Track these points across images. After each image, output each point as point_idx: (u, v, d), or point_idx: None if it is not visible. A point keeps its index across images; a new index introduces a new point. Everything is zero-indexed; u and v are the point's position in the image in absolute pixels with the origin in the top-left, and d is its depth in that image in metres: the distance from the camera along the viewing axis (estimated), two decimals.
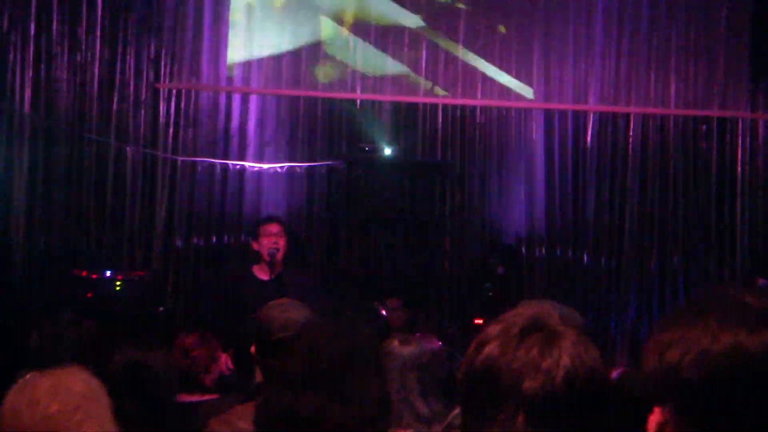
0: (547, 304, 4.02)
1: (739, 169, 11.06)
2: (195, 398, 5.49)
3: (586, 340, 2.13)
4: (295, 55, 10.60)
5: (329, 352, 3.40)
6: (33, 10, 10.17)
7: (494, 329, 2.13)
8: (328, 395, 3.31)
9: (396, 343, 4.83)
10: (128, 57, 10.43)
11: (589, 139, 10.99)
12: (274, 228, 8.33)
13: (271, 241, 8.23)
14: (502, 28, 10.84)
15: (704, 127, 11.09)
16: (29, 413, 1.99)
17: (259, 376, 4.55)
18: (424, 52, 10.72)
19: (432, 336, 7.99)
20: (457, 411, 2.94)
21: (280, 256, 8.23)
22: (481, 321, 9.26)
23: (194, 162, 10.48)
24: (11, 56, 10.13)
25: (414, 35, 10.72)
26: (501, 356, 2.07)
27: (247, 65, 10.57)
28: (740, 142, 11.09)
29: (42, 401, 2.15)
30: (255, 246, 8.34)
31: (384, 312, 7.76)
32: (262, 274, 8.26)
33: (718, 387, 1.82)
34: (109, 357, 4.15)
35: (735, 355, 1.82)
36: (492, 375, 2.06)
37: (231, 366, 6.08)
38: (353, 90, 10.71)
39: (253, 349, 4.59)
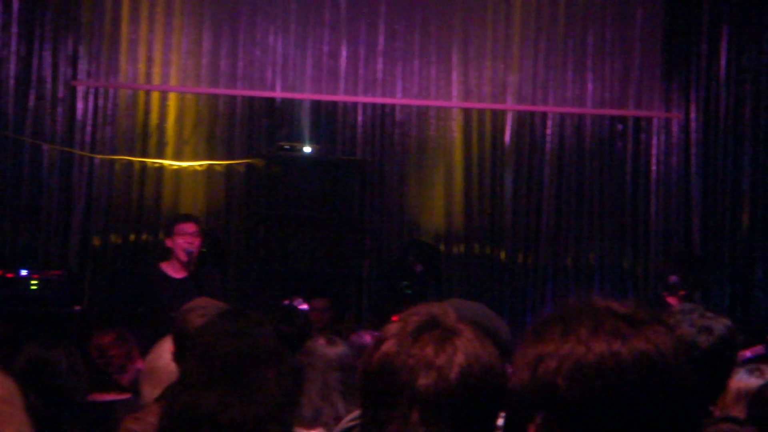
0: (455, 303, 4.06)
1: (654, 167, 11.23)
2: (111, 397, 5.48)
3: (483, 338, 2.16)
4: (213, 52, 10.57)
5: (225, 350, 3.42)
6: None
7: (392, 328, 2.16)
8: (226, 392, 3.32)
9: (321, 342, 4.85)
10: (45, 54, 10.34)
11: (506, 137, 11.09)
12: (189, 227, 8.28)
13: (187, 240, 8.18)
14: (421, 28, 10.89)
15: (620, 126, 11.24)
16: None
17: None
18: (344, 50, 10.75)
19: (369, 331, 8.06)
20: (357, 413, 2.97)
21: (195, 255, 8.21)
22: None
23: (112, 160, 10.41)
24: None
25: (334, 33, 10.74)
26: (397, 354, 2.09)
27: (165, 63, 10.52)
28: (655, 140, 11.25)
29: None
30: (169, 243, 8.29)
31: (305, 308, 7.77)
32: (173, 272, 8.21)
33: (594, 397, 1.84)
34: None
35: (609, 364, 1.84)
36: (387, 372, 2.08)
37: (142, 366, 6.05)
38: (273, 88, 10.70)
39: (169, 348, 4.59)
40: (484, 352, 2.13)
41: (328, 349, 4.79)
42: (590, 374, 1.84)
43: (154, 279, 8.24)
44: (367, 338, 6.40)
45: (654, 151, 11.23)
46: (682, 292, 8.85)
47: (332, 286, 10.37)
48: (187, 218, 8.56)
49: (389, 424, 2.07)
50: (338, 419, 4.55)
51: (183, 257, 8.13)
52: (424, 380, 2.05)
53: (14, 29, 10.23)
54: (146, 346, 6.13)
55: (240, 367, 3.40)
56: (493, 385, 2.14)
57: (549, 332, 1.91)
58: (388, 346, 2.12)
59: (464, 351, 2.10)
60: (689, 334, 3.57)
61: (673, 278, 8.93)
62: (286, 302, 7.71)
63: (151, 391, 4.42)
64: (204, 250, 8.82)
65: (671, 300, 8.54)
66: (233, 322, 3.61)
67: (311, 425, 4.61)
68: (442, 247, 10.92)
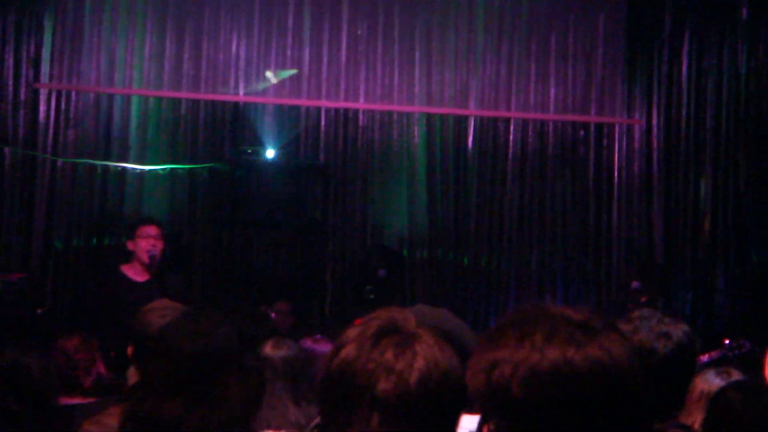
0: (418, 309, 4.07)
1: (616, 173, 11.28)
2: (76, 401, 5.48)
3: (442, 343, 2.17)
4: (176, 56, 10.55)
5: (187, 355, 3.40)
6: None
7: (351, 333, 2.17)
8: (189, 400, 3.31)
9: (269, 347, 4.82)
10: (6, 56, 10.28)
11: (469, 143, 11.12)
12: (152, 230, 8.23)
13: (150, 243, 8.14)
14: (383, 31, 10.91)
15: (582, 132, 11.29)
16: None
17: (133, 378, 4.53)
18: (307, 55, 10.75)
19: (328, 339, 8.05)
20: (318, 420, 2.97)
21: (158, 259, 8.17)
22: None
23: (75, 163, 10.36)
24: None
25: (297, 37, 10.74)
26: (356, 358, 2.10)
27: (128, 66, 10.48)
28: (617, 146, 11.31)
29: None
30: (130, 246, 8.23)
31: (272, 315, 7.77)
32: (135, 275, 8.17)
33: (547, 403, 1.85)
34: None
35: (563, 371, 1.86)
36: (347, 377, 2.09)
37: (103, 370, 6.06)
38: (236, 92, 10.69)
39: (130, 350, 4.57)
40: (444, 357, 2.14)
41: (274, 353, 4.76)
42: (544, 381, 1.86)
43: (115, 282, 8.19)
44: (320, 345, 6.36)
45: (616, 156, 11.29)
46: (643, 298, 8.91)
47: (295, 291, 10.37)
48: (150, 221, 8.51)
49: (349, 428, 2.07)
50: (287, 425, 4.53)
51: (145, 260, 8.09)
52: (383, 384, 2.06)
53: None
54: (108, 349, 6.16)
55: (203, 370, 3.38)
56: (453, 390, 2.15)
57: (504, 338, 1.93)
58: (348, 350, 2.12)
59: (423, 356, 2.10)
60: (647, 339, 3.58)
61: (634, 284, 9.00)
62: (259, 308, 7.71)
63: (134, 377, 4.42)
64: (167, 254, 8.79)
65: (632, 306, 8.58)
66: (195, 322, 3.59)
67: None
68: (405, 252, 10.93)
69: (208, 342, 3.45)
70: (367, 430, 2.05)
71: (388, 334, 2.13)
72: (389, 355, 2.09)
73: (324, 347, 7.25)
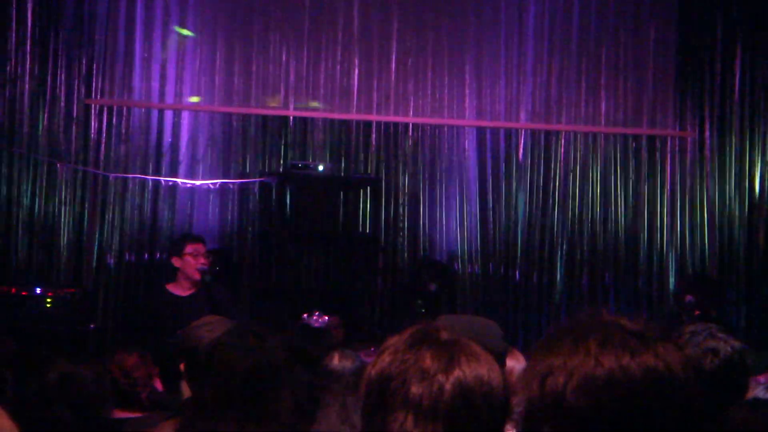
0: (464, 318, 4.04)
1: (668, 186, 11.19)
2: (132, 415, 5.52)
3: (483, 352, 2.16)
4: (227, 70, 10.58)
5: (240, 369, 3.40)
6: None
7: (389, 341, 2.17)
8: (243, 415, 3.31)
9: (335, 360, 4.80)
10: (59, 72, 10.34)
11: (520, 156, 11.07)
12: (200, 247, 8.30)
13: (199, 261, 8.20)
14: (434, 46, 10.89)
15: (633, 144, 11.21)
16: None
17: (186, 393, 4.54)
18: (357, 68, 10.75)
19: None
20: None
21: (207, 275, 8.20)
22: None
23: (126, 178, 10.41)
24: None
25: (347, 51, 10.75)
26: (391, 363, 2.12)
27: (179, 81, 10.52)
28: (669, 159, 11.22)
29: None
30: (177, 263, 8.27)
31: (325, 319, 7.75)
32: (180, 291, 8.21)
33: (602, 411, 1.84)
34: (32, 375, 4.15)
35: (618, 378, 1.84)
36: (384, 381, 2.11)
37: (159, 385, 6.13)
38: (286, 106, 10.70)
39: (182, 366, 4.58)
40: (485, 370, 2.12)
41: (342, 366, 4.74)
42: (599, 388, 1.85)
43: (160, 299, 8.23)
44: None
45: (668, 169, 11.20)
46: (696, 312, 8.81)
47: (346, 305, 10.35)
48: (198, 239, 8.57)
49: (387, 426, 2.08)
50: None
51: (196, 276, 8.13)
52: (416, 388, 2.08)
53: (28, 48, 10.23)
54: (156, 365, 6.20)
55: (255, 386, 3.38)
56: (493, 399, 2.14)
57: (558, 346, 1.92)
58: (385, 356, 2.15)
59: (463, 366, 2.10)
60: (694, 355, 3.49)
61: (688, 298, 8.90)
62: (305, 315, 7.68)
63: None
64: (216, 268, 8.82)
65: (687, 319, 8.48)
66: (244, 338, 3.58)
67: None
68: (456, 267, 10.89)
69: (259, 359, 3.44)
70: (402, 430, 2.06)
71: (426, 341, 2.14)
72: (427, 359, 2.10)
73: None
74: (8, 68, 10.20)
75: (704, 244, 11.19)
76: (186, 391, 4.54)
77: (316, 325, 7.56)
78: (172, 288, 8.28)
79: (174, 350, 5.14)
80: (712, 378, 3.46)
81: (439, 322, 3.85)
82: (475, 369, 2.12)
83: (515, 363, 5.11)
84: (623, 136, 11.20)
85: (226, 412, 3.34)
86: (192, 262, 8.17)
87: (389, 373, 2.11)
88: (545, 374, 1.89)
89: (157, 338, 7.48)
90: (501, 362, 3.71)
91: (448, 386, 2.07)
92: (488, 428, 2.14)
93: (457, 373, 2.09)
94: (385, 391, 2.10)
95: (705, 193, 11.22)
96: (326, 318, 7.69)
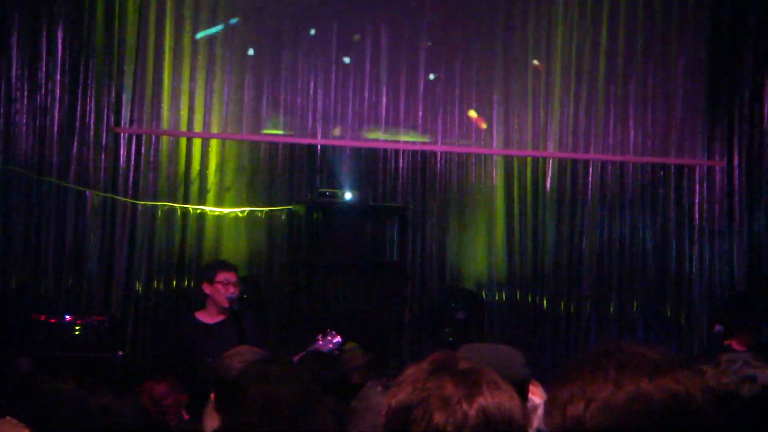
0: (487, 347, 4.04)
1: (697, 215, 11.16)
2: None
3: (503, 382, 2.15)
4: (255, 99, 10.62)
5: (282, 397, 3.40)
6: None
7: (408, 372, 2.17)
8: None
9: (379, 389, 4.79)
10: (88, 101, 10.40)
11: (548, 185, 11.06)
12: (232, 276, 8.30)
13: (228, 289, 8.20)
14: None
15: (662, 173, 11.18)
16: None
17: (214, 423, 4.53)
18: (384, 97, 10.77)
19: None
20: None
21: (236, 304, 8.21)
22: None
23: (154, 206, 10.45)
24: None
25: (375, 80, 10.77)
26: (412, 392, 2.11)
27: (207, 110, 10.57)
28: (697, 188, 11.19)
29: None
30: (207, 290, 8.27)
31: (339, 340, 7.74)
32: (208, 318, 8.21)
33: None
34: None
35: (638, 402, 1.84)
36: (405, 411, 2.10)
37: (185, 413, 6.14)
38: (313, 135, 10.73)
39: (212, 396, 4.58)
40: (506, 398, 2.12)
41: (383, 398, 4.72)
42: (618, 413, 1.84)
43: (189, 327, 8.24)
44: None
45: (697, 198, 11.18)
46: (726, 342, 8.75)
47: (373, 333, 10.33)
48: (229, 266, 8.57)
49: None
50: None
51: (226, 304, 8.13)
52: (439, 417, 2.06)
53: (58, 77, 10.31)
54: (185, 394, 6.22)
55: (298, 413, 3.38)
56: (513, 429, 2.13)
57: (577, 373, 1.92)
58: (405, 387, 2.14)
59: (487, 394, 2.10)
60: (732, 383, 3.48)
61: (717, 327, 8.85)
62: (319, 336, 7.67)
63: (212, 425, 4.42)
64: (245, 296, 8.84)
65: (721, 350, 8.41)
66: (276, 368, 3.59)
67: None
68: (483, 295, 10.87)
69: (297, 384, 3.45)
70: None
71: (446, 369, 2.14)
72: (449, 387, 2.09)
73: None
74: (38, 97, 10.27)
75: (733, 272, 11.13)
76: (208, 423, 4.54)
77: (329, 346, 7.55)
78: (200, 315, 8.27)
79: (205, 380, 5.15)
80: (749, 405, 3.45)
81: (462, 350, 3.85)
82: (497, 397, 2.12)
83: (538, 399, 5.09)
84: (651, 165, 11.18)
85: None
86: (222, 290, 8.16)
87: (410, 402, 2.10)
88: (566, 402, 1.89)
89: (185, 366, 7.48)
90: (522, 390, 3.71)
91: (472, 413, 2.06)
92: None
93: (480, 400, 2.09)
94: (407, 421, 2.08)
95: (734, 221, 11.17)
96: (339, 338, 7.69)
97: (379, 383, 4.90)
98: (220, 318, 8.18)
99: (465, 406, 2.07)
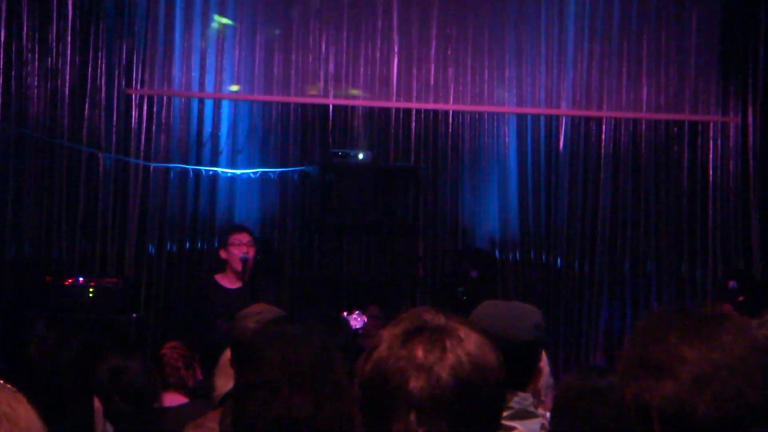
0: (503, 304, 4.03)
1: (711, 172, 11.09)
2: (180, 402, 5.58)
3: (477, 336, 2.13)
4: (267, 60, 10.59)
5: (305, 353, 3.41)
6: (2, 16, 10.12)
7: (383, 333, 2.15)
8: (318, 395, 3.32)
9: None
10: (100, 63, 10.39)
11: (561, 143, 11.01)
12: (244, 237, 8.34)
13: (242, 250, 8.22)
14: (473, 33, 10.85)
15: (676, 130, 11.12)
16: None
17: (228, 383, 4.54)
18: (396, 57, 10.73)
19: None
20: None
21: (250, 265, 8.23)
22: None
23: (167, 168, 10.45)
24: None
25: (386, 39, 10.72)
26: (387, 358, 2.08)
27: (219, 70, 10.55)
28: (711, 145, 11.12)
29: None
30: (223, 255, 8.32)
31: (364, 320, 7.77)
32: (228, 283, 8.25)
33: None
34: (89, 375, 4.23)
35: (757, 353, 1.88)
36: (380, 377, 2.08)
37: (200, 374, 6.20)
38: (326, 95, 10.70)
39: (227, 356, 4.59)
40: (478, 351, 2.10)
41: None
42: (743, 370, 1.88)
43: (208, 290, 8.27)
44: None
45: (711, 155, 11.10)
46: (740, 298, 8.75)
47: (387, 294, 10.35)
48: (241, 228, 8.60)
49: (389, 429, 2.05)
50: None
51: (238, 266, 8.15)
52: (414, 382, 2.04)
53: (69, 39, 10.29)
54: (199, 354, 6.26)
55: (322, 369, 3.39)
56: (491, 385, 2.12)
57: (665, 345, 1.89)
58: (380, 351, 2.11)
59: (454, 351, 2.07)
60: None
61: (731, 284, 8.84)
62: (344, 314, 7.71)
63: (224, 384, 4.44)
64: (258, 257, 8.86)
65: (728, 306, 8.41)
66: (296, 327, 3.60)
67: None
68: (497, 254, 10.86)
69: (318, 343, 3.46)
70: (406, 429, 2.03)
71: (417, 333, 2.11)
72: (419, 352, 2.06)
73: None
74: (49, 60, 10.25)
75: (748, 229, 11.08)
76: (220, 383, 4.55)
77: (355, 325, 7.58)
78: (220, 279, 8.33)
79: (221, 339, 5.18)
80: None
81: (480, 307, 3.84)
82: (465, 348, 2.09)
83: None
84: (665, 122, 11.11)
85: (302, 390, 3.34)
86: (236, 252, 8.21)
87: (385, 369, 2.07)
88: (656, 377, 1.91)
89: (203, 327, 7.52)
90: (530, 350, 3.70)
91: (444, 376, 2.04)
92: (491, 418, 2.12)
93: (450, 359, 2.06)
94: (384, 389, 2.07)
95: (748, 177, 11.11)
96: (365, 318, 7.71)
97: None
98: (238, 284, 8.22)
99: (438, 369, 2.04)
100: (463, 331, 2.12)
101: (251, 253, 8.32)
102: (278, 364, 3.41)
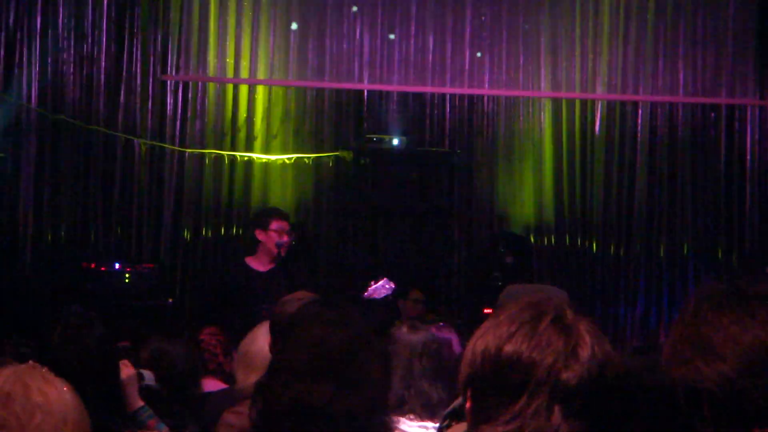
0: (530, 287, 4.03)
1: (748, 156, 11.01)
2: (214, 388, 5.61)
3: (597, 328, 2.10)
4: (301, 45, 10.59)
5: (334, 339, 3.41)
6: (39, 4, 10.16)
7: (506, 321, 2.07)
8: (339, 383, 3.32)
9: (405, 329, 4.85)
10: (135, 50, 10.43)
11: (597, 127, 10.96)
12: (286, 225, 8.38)
13: (282, 237, 8.26)
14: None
15: (713, 114, 11.04)
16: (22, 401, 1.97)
17: (240, 379, 4.58)
18: (431, 41, 10.70)
19: (450, 327, 8.04)
20: (460, 400, 2.95)
21: (284, 252, 8.27)
22: (490, 311, 9.23)
23: (202, 154, 10.48)
24: (18, 51, 10.12)
25: (421, 24, 10.70)
26: (529, 349, 2.01)
27: (253, 56, 10.55)
28: (749, 129, 11.04)
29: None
30: (260, 236, 8.31)
31: (392, 286, 7.79)
32: (259, 265, 8.25)
33: None
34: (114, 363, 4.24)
35: None
36: (521, 367, 2.00)
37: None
38: (360, 80, 10.69)
39: (245, 348, 4.63)
40: (604, 343, 2.07)
41: (411, 336, 4.79)
42: None
43: (239, 273, 8.29)
44: (443, 333, 6.39)
45: (748, 139, 11.02)
46: None
47: (422, 278, 10.34)
48: (284, 215, 8.64)
49: (506, 415, 2.00)
50: (427, 405, 4.54)
51: (275, 250, 8.17)
52: (566, 374, 1.98)
53: (104, 26, 10.33)
54: (234, 339, 6.29)
55: (350, 355, 3.39)
56: (616, 375, 2.08)
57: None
58: (519, 336, 2.03)
59: (589, 340, 2.03)
60: None
61: None
62: (372, 282, 7.72)
63: (244, 376, 4.46)
64: (294, 242, 8.88)
65: None
66: (331, 311, 3.59)
67: (397, 412, 4.60)
68: (532, 239, 10.84)
69: (348, 330, 3.45)
70: (545, 418, 1.97)
71: (547, 321, 2.04)
72: (560, 342, 2.01)
73: (447, 335, 7.29)
74: (85, 47, 10.29)
75: None
76: (241, 376, 4.57)
77: (383, 292, 7.59)
78: (251, 262, 8.32)
79: (247, 324, 5.22)
80: None
81: (505, 291, 3.82)
82: (603, 345, 2.05)
83: None
84: (702, 106, 11.03)
85: (322, 378, 3.34)
86: (276, 237, 8.23)
87: (530, 358, 1.99)
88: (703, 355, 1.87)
89: (236, 311, 7.54)
90: None
91: (594, 370, 1.99)
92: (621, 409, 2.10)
93: (595, 350, 2.02)
94: (520, 373, 1.99)
95: None
96: (393, 285, 7.71)
97: (404, 324, 4.96)
98: (270, 266, 8.23)
99: (585, 359, 1.99)
100: (588, 323, 2.08)
101: (288, 240, 8.35)
102: (307, 346, 3.42)
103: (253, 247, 8.42)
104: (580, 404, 1.99)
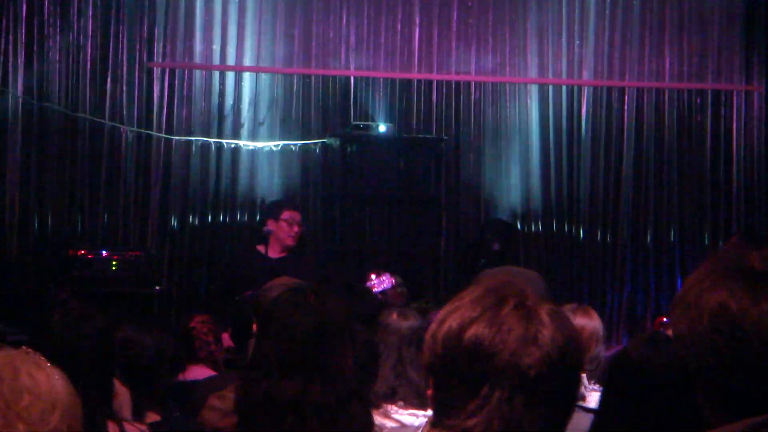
0: (505, 270, 4.03)
1: (734, 141, 11.04)
2: (203, 375, 5.61)
3: (560, 312, 2.09)
4: (288, 32, 10.57)
5: (304, 327, 3.41)
6: None
7: (468, 306, 2.04)
8: (307, 377, 3.32)
9: (394, 316, 4.85)
10: (121, 37, 10.38)
11: (583, 113, 10.97)
12: (297, 216, 8.49)
13: (294, 228, 8.37)
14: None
15: (699, 100, 11.06)
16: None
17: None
18: (418, 28, 10.69)
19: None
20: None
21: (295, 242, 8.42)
22: None
23: (188, 141, 10.46)
24: (3, 39, 10.08)
25: (407, 10, 10.68)
26: (490, 335, 1.98)
27: (240, 43, 10.53)
28: (735, 114, 11.06)
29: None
30: (272, 225, 8.41)
31: (392, 281, 7.79)
32: (269, 252, 8.35)
33: None
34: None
35: None
36: (481, 355, 1.97)
37: (232, 344, 6.27)
38: (347, 67, 10.68)
39: (254, 327, 4.61)
40: (567, 323, 2.06)
41: (401, 323, 4.79)
42: None
43: (249, 259, 8.38)
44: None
45: (735, 124, 11.05)
46: None
47: (409, 265, 10.35)
48: (296, 206, 8.75)
49: (472, 404, 1.98)
50: (418, 393, 4.53)
51: (289, 242, 8.32)
52: (527, 359, 1.96)
53: (90, 13, 10.29)
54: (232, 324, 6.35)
55: (318, 348, 3.39)
56: (581, 355, 2.09)
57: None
58: (479, 326, 1.99)
59: (550, 325, 2.00)
60: None
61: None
62: (373, 275, 7.73)
63: None
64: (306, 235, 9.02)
65: None
66: (305, 297, 3.58)
67: (388, 401, 4.60)
68: (519, 226, 10.84)
69: (318, 317, 3.45)
70: (508, 409, 1.95)
71: (510, 306, 2.01)
72: (521, 328, 1.98)
73: None
74: (71, 35, 10.25)
75: None
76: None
77: (381, 287, 7.59)
78: (262, 249, 8.41)
79: (247, 311, 5.21)
80: None
81: (482, 275, 3.82)
82: (566, 327, 2.03)
83: (587, 321, 5.11)
84: (688, 91, 11.05)
85: (290, 372, 3.35)
86: (286, 228, 8.35)
87: (489, 345, 1.96)
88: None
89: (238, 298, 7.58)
90: None
91: (554, 353, 1.97)
92: (575, 389, 2.08)
93: (556, 335, 1.99)
94: (481, 360, 1.96)
95: None
96: (393, 281, 7.72)
97: (393, 311, 4.96)
98: (282, 255, 8.34)
99: (543, 343, 1.97)
100: (550, 307, 2.06)
101: (300, 231, 8.50)
102: (275, 338, 3.43)
103: (261, 237, 8.49)
104: (540, 391, 1.97)
